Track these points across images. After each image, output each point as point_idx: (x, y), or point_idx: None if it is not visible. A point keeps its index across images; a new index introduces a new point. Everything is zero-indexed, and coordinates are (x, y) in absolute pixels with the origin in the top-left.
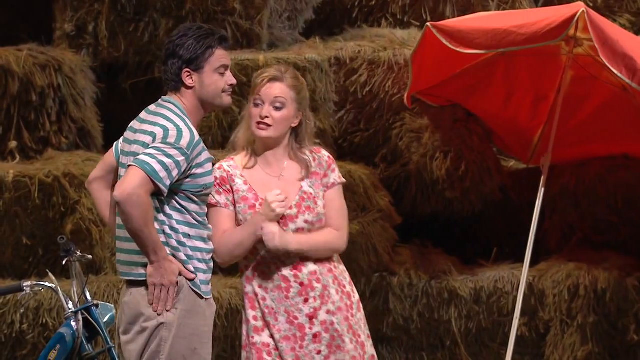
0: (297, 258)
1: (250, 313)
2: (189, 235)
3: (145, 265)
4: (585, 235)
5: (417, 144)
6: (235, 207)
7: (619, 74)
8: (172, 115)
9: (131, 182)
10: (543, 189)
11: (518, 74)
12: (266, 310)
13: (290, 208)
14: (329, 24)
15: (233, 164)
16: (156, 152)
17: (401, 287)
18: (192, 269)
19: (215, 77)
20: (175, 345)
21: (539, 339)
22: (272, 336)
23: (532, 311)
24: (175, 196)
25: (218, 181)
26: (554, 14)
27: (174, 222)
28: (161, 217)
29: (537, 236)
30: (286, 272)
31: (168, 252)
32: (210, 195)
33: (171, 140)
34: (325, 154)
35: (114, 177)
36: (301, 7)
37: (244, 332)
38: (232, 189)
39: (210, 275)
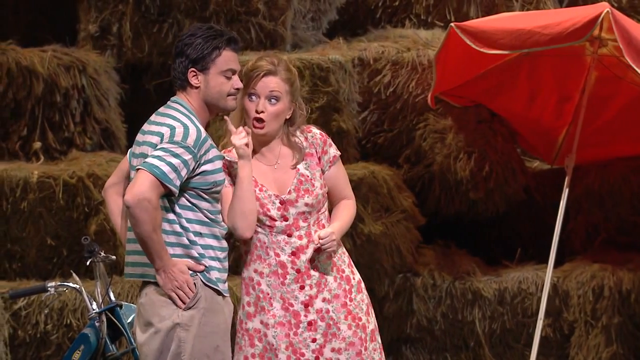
0: (296, 244)
1: (245, 298)
2: (201, 233)
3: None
4: (609, 235)
5: (440, 145)
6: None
7: None
8: (178, 114)
9: (141, 186)
10: (567, 190)
11: (542, 74)
12: (261, 295)
13: (289, 193)
14: (353, 25)
15: (231, 155)
16: (163, 153)
17: (425, 288)
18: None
19: (220, 79)
20: (197, 345)
21: (563, 340)
22: (262, 322)
23: (557, 312)
24: (185, 194)
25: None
26: (578, 14)
27: (184, 220)
28: (171, 216)
29: (561, 237)
30: (284, 258)
31: (180, 251)
32: None
33: (178, 138)
34: (316, 131)
35: (125, 180)
36: (325, 7)
37: (238, 317)
38: (231, 174)
39: (226, 274)
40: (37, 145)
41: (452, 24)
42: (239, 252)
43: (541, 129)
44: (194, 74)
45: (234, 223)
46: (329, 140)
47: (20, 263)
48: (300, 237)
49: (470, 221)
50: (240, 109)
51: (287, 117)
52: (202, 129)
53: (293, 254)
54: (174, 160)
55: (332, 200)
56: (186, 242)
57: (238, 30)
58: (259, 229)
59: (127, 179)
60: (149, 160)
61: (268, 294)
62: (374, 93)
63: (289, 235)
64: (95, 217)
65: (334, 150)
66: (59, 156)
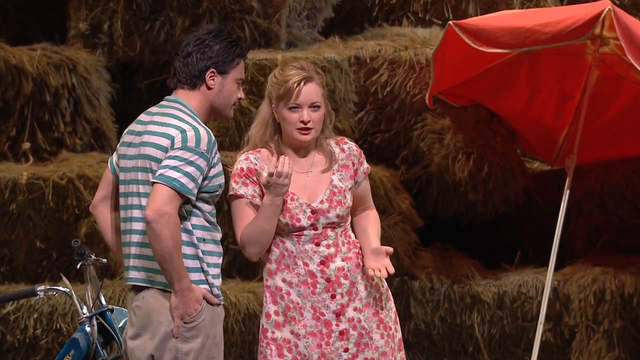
0: (325, 253)
1: (272, 307)
2: (204, 239)
3: (149, 268)
4: (611, 238)
5: (438, 145)
6: (262, 198)
7: None
8: (183, 115)
9: (160, 200)
10: (568, 191)
11: (543, 73)
12: (291, 305)
13: (322, 202)
14: (349, 23)
15: (260, 157)
16: (179, 162)
17: (422, 292)
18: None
19: (234, 86)
20: (197, 356)
21: (564, 345)
22: (292, 332)
23: (557, 316)
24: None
25: (245, 172)
26: (579, 12)
27: (189, 225)
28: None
29: (562, 239)
30: (313, 267)
31: (192, 264)
32: (236, 187)
33: (191, 144)
34: (352, 144)
35: (115, 191)
36: (320, 5)
37: (262, 326)
38: (258, 181)
39: (219, 282)
40: (26, 145)
41: (450, 22)
42: (232, 255)
43: (541, 129)
44: (213, 74)
45: (247, 247)
46: (362, 153)
47: (9, 266)
48: (328, 246)
49: (469, 223)
50: (266, 121)
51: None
52: (210, 131)
53: (322, 262)
54: (190, 169)
55: (355, 210)
56: (200, 253)
57: (232, 28)
58: (286, 239)
59: (116, 189)
60: (166, 172)
61: (298, 304)
62: (371, 92)
63: (317, 245)
64: (86, 219)
65: (366, 163)
66: (48, 157)
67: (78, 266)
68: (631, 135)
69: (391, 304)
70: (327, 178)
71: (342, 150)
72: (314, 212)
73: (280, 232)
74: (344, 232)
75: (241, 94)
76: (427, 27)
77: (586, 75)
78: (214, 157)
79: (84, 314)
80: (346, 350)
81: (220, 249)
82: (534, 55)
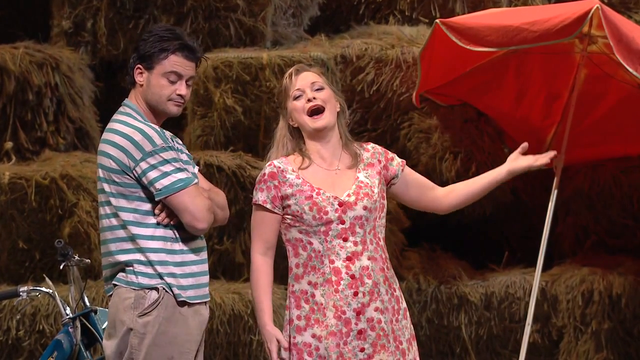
0: (351, 249)
1: (295, 312)
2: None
3: (119, 271)
4: (599, 238)
5: (426, 145)
6: (280, 202)
7: (634, 72)
8: (126, 117)
9: (192, 207)
10: (556, 191)
11: (530, 72)
12: (315, 307)
13: (349, 196)
14: (335, 21)
15: (285, 160)
16: (158, 169)
17: (409, 293)
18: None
19: (162, 81)
20: (151, 353)
21: (552, 346)
22: (314, 335)
23: (545, 317)
24: (147, 202)
25: (265, 177)
26: (567, 11)
27: (142, 230)
28: (135, 229)
29: (550, 240)
30: (339, 263)
31: (141, 258)
32: (254, 193)
33: (148, 148)
34: (375, 145)
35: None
36: (306, 3)
37: (286, 333)
38: (281, 183)
39: (196, 280)
40: (9, 145)
41: (437, 21)
42: (217, 256)
43: (529, 129)
44: (140, 71)
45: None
46: (387, 151)
47: None
48: (355, 243)
49: (456, 224)
50: (282, 138)
51: (337, 109)
52: (152, 125)
53: (348, 259)
54: (169, 166)
55: (426, 195)
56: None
57: (217, 26)
58: (314, 238)
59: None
60: (159, 184)
61: (322, 304)
62: (357, 91)
63: (345, 240)
64: (69, 219)
65: (397, 159)
66: (31, 156)
67: (61, 267)
68: (619, 135)
69: (407, 322)
70: (353, 175)
71: (367, 150)
72: (341, 204)
73: (308, 231)
74: (372, 231)
75: (181, 90)
76: (414, 25)
77: (574, 74)
78: (174, 144)
79: (67, 315)
80: (362, 350)
81: (192, 244)
82: (521, 54)
